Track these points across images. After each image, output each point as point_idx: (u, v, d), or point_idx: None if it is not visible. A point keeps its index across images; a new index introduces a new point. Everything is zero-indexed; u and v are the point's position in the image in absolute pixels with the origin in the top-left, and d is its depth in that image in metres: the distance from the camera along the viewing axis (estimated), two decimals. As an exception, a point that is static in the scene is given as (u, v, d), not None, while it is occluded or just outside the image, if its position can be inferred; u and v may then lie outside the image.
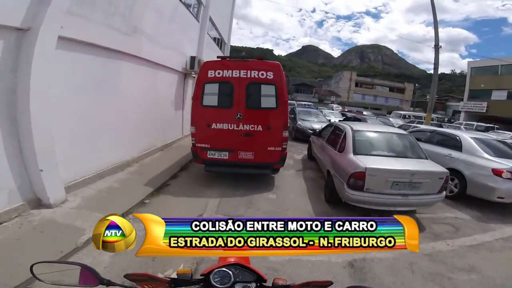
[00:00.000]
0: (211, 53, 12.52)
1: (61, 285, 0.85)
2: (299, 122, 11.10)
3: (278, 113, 4.88)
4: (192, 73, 9.51)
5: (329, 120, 12.44)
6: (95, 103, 4.63)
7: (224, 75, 4.78)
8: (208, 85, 4.85)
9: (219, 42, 16.04)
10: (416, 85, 59.88)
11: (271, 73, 4.79)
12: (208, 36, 11.74)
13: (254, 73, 4.77)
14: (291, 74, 76.75)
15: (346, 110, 30.94)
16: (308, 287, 0.94)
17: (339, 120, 14.17)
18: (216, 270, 0.92)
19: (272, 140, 4.87)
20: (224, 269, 0.92)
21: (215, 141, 4.91)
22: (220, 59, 5.12)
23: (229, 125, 4.83)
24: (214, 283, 0.89)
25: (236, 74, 4.77)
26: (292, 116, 11.95)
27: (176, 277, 0.95)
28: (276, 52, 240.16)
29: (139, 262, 2.59)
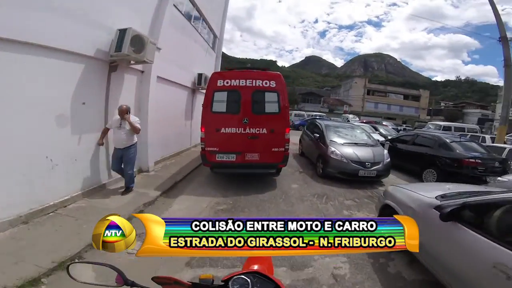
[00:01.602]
0: (183, 39, 8.11)
1: (92, 284, 0.90)
2: (333, 148, 6.39)
3: (280, 117, 5.24)
4: (131, 62, 4.95)
5: (378, 141, 7.71)
6: None
7: (232, 84, 5.14)
8: (218, 93, 5.18)
9: (213, 41, 11.89)
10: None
11: (274, 82, 5.19)
12: (177, 11, 7.27)
13: (259, 82, 5.15)
14: (295, 85, 73.26)
15: (364, 121, 26.28)
16: None
17: (387, 140, 9.34)
18: (235, 277, 0.93)
19: (275, 142, 5.22)
20: (243, 276, 0.92)
21: (224, 144, 5.19)
22: (228, 69, 5.85)
23: (237, 129, 5.16)
24: None
25: (242, 83, 5.14)
26: (317, 135, 7.32)
27: (198, 281, 0.96)
28: (279, 63, 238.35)
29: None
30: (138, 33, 4.57)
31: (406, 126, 33.86)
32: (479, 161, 6.36)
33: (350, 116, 29.08)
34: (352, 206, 5.05)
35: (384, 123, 28.20)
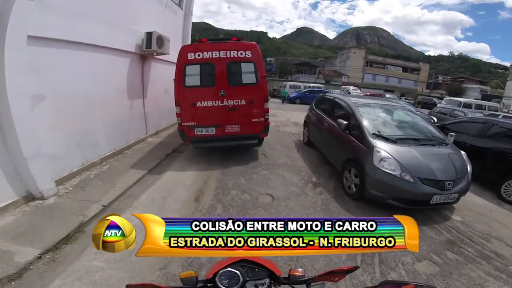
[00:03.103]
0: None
1: None
2: (383, 153, 3.45)
3: (258, 88, 5.04)
4: None
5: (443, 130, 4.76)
6: None
7: (204, 57, 4.88)
8: (189, 67, 4.90)
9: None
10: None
11: (249, 52, 4.96)
12: None
13: (234, 53, 4.93)
14: (287, 56, 68.89)
15: (368, 94, 23.30)
16: (332, 275, 0.91)
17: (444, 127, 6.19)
18: (221, 271, 0.88)
19: (255, 112, 5.09)
20: (230, 269, 0.88)
21: (202, 118, 4.98)
22: (199, 41, 5.39)
23: (214, 102, 4.96)
24: (222, 287, 0.85)
25: (216, 55, 4.88)
26: (343, 122, 4.22)
27: (180, 284, 0.90)
28: (270, 35, 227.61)
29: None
30: None
31: (405, 99, 31.05)
32: None
33: (351, 88, 25.77)
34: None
35: (387, 95, 25.34)
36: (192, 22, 10.79)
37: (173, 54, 8.07)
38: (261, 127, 5.15)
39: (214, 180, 4.29)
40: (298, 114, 12.32)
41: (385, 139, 3.62)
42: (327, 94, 6.48)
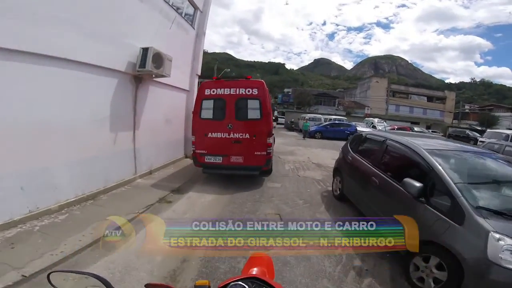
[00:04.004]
0: None
1: None
2: (508, 241, 1.81)
3: (262, 123, 5.39)
4: None
5: None
6: None
7: (218, 93, 5.42)
8: (205, 101, 5.47)
9: (192, 15, 8.25)
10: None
11: (256, 89, 5.36)
12: None
13: (242, 90, 5.37)
14: (304, 87, 69.14)
15: (396, 127, 21.43)
16: None
17: None
18: (232, 283, 0.87)
19: (258, 146, 5.39)
20: (241, 283, 0.87)
21: (211, 147, 5.47)
22: (215, 79, 5.97)
23: (222, 134, 5.43)
24: None
25: (227, 92, 5.38)
26: (413, 184, 2.48)
27: None
28: (288, 66, 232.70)
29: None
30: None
31: (432, 131, 28.69)
32: None
33: (376, 120, 23.99)
34: None
35: (416, 129, 23.34)
36: (215, 52, 10.02)
37: (179, 77, 7.04)
38: (263, 160, 5.42)
39: (197, 258, 2.76)
40: (320, 152, 10.79)
41: (500, 214, 2.02)
42: (369, 133, 4.82)
